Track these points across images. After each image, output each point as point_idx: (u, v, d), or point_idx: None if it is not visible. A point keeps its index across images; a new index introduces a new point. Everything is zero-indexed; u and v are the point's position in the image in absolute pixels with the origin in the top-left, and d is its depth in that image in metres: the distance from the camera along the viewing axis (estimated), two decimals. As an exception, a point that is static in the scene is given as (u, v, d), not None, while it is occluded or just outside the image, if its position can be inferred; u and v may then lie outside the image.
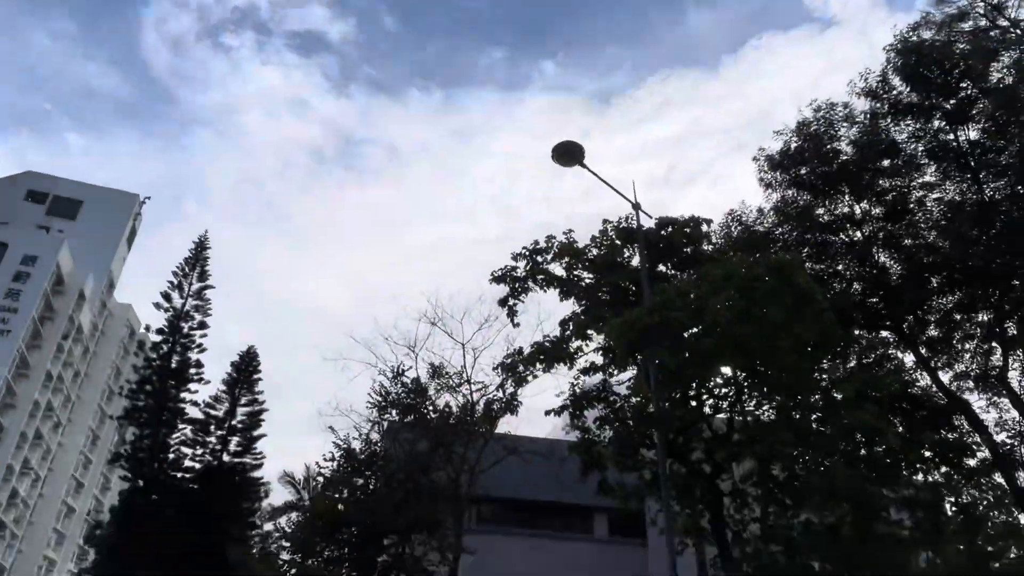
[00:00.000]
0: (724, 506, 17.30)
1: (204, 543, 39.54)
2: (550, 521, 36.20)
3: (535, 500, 34.31)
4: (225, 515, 42.17)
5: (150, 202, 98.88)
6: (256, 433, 47.20)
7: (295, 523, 25.49)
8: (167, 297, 45.44)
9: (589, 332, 17.73)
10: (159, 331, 44.75)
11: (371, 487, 25.43)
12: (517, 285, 19.47)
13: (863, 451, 14.93)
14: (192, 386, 44.50)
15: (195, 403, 45.06)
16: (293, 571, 24.68)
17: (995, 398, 19.00)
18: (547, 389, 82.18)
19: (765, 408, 16.71)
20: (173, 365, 44.16)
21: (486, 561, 29.07)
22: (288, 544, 26.12)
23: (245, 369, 48.31)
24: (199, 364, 44.98)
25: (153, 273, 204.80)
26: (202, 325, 45.49)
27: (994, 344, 18.59)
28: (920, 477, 16.72)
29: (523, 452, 26.94)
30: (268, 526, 50.76)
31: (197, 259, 47.50)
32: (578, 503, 34.43)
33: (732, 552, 16.72)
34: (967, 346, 19.39)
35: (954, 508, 18.17)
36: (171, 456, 43.27)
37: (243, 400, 47.38)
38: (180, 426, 44.07)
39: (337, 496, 25.00)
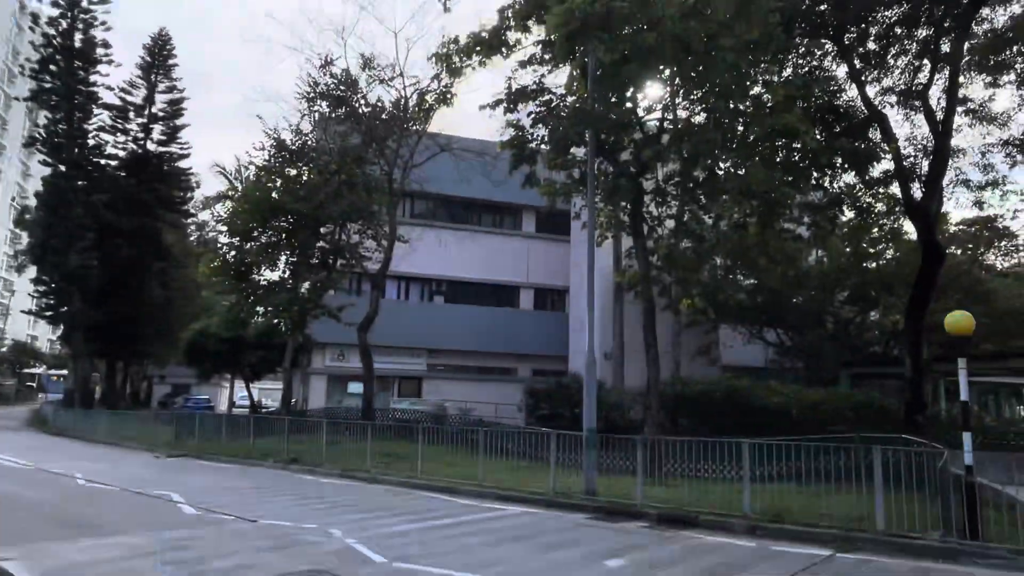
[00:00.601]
0: (644, 204, 18.42)
1: (138, 227, 40.17)
2: (481, 217, 37.97)
3: (467, 197, 35.48)
4: (157, 202, 42.33)
5: None
6: (179, 122, 45.65)
7: (231, 211, 25.79)
8: (58, -38, 40.05)
9: (529, 23, 16.90)
10: (54, 3, 40.10)
11: (304, 178, 25.56)
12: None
13: (781, 154, 15.72)
14: (101, 68, 41.50)
15: (109, 87, 42.45)
16: (232, 254, 25.56)
17: (912, 114, 19.79)
18: (482, 88, 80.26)
19: (697, 111, 17.01)
20: (77, 44, 40.48)
21: (419, 250, 30.86)
22: (225, 229, 26.69)
23: (159, 53, 44.97)
24: (106, 44, 41.42)
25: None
26: (103, -1, 40.95)
27: (925, 61, 18.82)
28: (828, 183, 17.96)
29: (456, 149, 27.12)
30: (204, 215, 51.55)
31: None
32: (508, 201, 35.93)
33: (646, 243, 18.21)
34: (899, 62, 19.58)
35: (851, 212, 19.92)
36: (91, 142, 41.81)
37: (161, 87, 44.86)
38: (96, 111, 41.98)
39: (271, 185, 25.11)
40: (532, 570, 7.60)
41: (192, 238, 53.84)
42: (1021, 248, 30.82)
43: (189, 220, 52.05)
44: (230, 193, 27.15)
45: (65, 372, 51.53)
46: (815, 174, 16.57)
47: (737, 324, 32.23)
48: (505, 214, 38.11)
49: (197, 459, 20.19)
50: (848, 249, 27.50)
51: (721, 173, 16.48)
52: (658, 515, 11.04)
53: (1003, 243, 29.63)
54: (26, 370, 74.18)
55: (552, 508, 12.24)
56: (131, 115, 43.49)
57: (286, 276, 26.44)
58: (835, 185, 18.36)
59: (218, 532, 9.42)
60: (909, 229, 20.88)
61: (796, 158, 16.41)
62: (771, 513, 10.42)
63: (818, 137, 15.32)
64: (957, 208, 66.05)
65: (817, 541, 9.39)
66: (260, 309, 26.82)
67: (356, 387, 32.92)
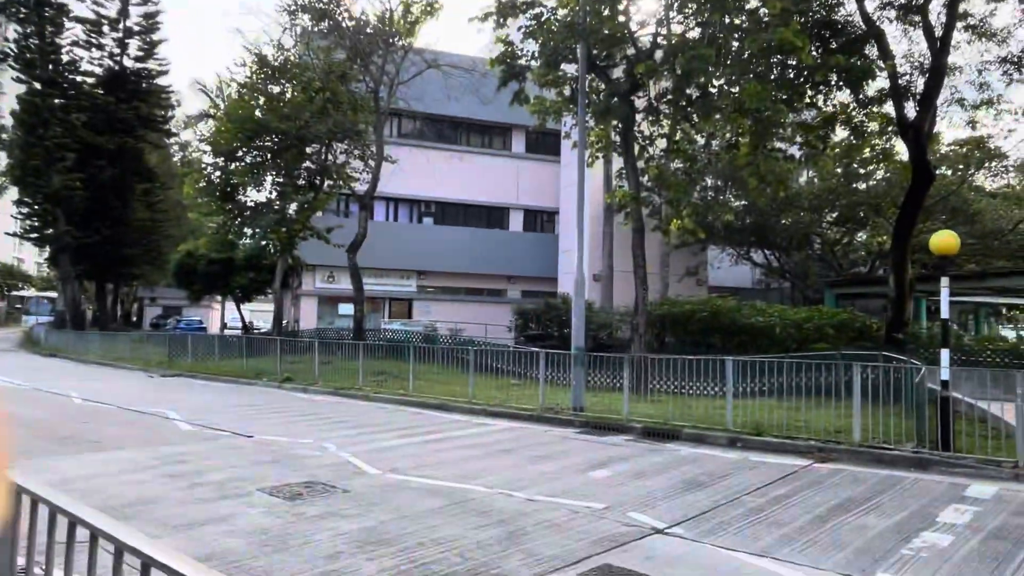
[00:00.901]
0: (636, 123, 18.15)
1: (120, 147, 39.29)
2: (470, 137, 37.36)
3: (455, 116, 34.82)
4: (137, 121, 41.27)
5: None
6: (156, 37, 44.06)
7: (214, 130, 25.21)
8: None
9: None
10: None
11: (288, 96, 24.91)
12: None
13: (776, 71, 15.41)
14: (71, -24, 39.52)
15: (80, -1, 40.61)
16: (217, 174, 25.17)
17: (911, 30, 19.33)
18: (470, 1, 77.19)
19: (692, 26, 16.53)
20: (42, -50, 38.44)
21: (407, 171, 30.48)
22: (209, 149, 26.17)
23: (130, -39, 42.84)
24: (74, -50, 39.35)
25: None
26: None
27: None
28: (821, 101, 17.69)
29: (444, 66, 26.43)
30: (187, 134, 50.34)
31: None
32: (497, 121, 35.30)
33: (637, 164, 18.05)
34: (900, -28, 19.00)
35: (844, 131, 19.71)
36: (65, 58, 40.38)
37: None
38: (68, 25, 40.32)
39: (253, 104, 24.48)
40: (521, 479, 7.89)
41: (175, 158, 52.81)
42: (1011, 169, 30.77)
43: (171, 140, 50.95)
44: (212, 112, 26.50)
45: (54, 295, 51.29)
46: (809, 92, 16.30)
47: (725, 245, 32.40)
48: (494, 134, 37.51)
49: (191, 378, 20.49)
50: (839, 170, 27.40)
51: (714, 91, 16.17)
52: (643, 429, 11.39)
53: (993, 163, 29.55)
54: (14, 292, 73.95)
55: (541, 423, 12.60)
56: (105, 29, 41.83)
57: (273, 197, 26.16)
58: (829, 103, 18.10)
59: (215, 447, 9.67)
60: (901, 149, 20.71)
61: (791, 75, 16.09)
62: (752, 426, 10.78)
63: (814, 53, 14.97)
64: (950, 128, 65.42)
65: (795, 452, 9.75)
66: (248, 231, 26.67)
67: (346, 308, 33.13)
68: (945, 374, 9.58)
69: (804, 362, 11.69)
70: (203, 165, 28.05)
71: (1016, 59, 18.73)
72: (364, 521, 6.11)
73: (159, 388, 18.00)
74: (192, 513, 6.22)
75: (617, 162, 23.43)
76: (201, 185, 25.26)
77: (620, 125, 17.65)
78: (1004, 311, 37.62)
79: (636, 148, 18.20)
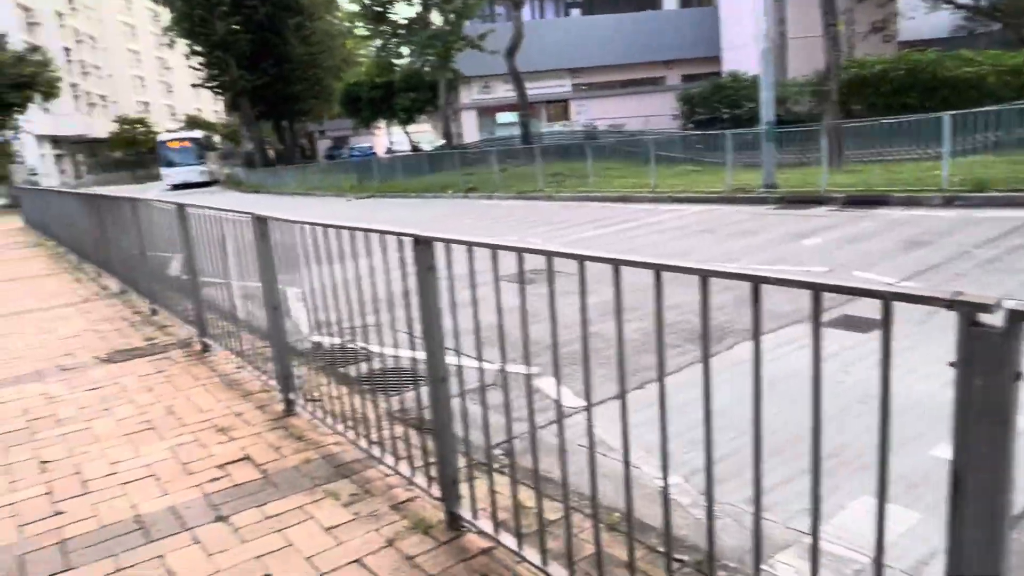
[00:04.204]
0: None
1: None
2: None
3: None
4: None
5: None
6: None
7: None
8: None
9: None
10: None
11: None
12: None
13: None
14: None
15: None
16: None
17: None
18: None
19: None
20: None
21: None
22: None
23: None
24: None
25: None
26: None
27: None
28: None
29: None
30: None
31: None
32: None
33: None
34: None
35: None
36: None
37: None
38: None
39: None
40: (730, 253, 8.14)
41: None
42: None
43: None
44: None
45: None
46: None
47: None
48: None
49: (382, 198, 22.16)
50: None
51: None
52: (845, 198, 11.06)
53: None
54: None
55: (731, 204, 12.58)
56: None
57: (422, 11, 25.93)
58: None
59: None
60: None
61: None
62: (972, 184, 10.13)
63: None
64: None
65: (1022, 205, 9.16)
66: (405, 50, 26.94)
67: (504, 118, 33.36)
68: None
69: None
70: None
71: None
72: (594, 298, 6.76)
73: (359, 208, 19.73)
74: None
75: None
76: (354, 10, 25.48)
77: None
78: None
79: None
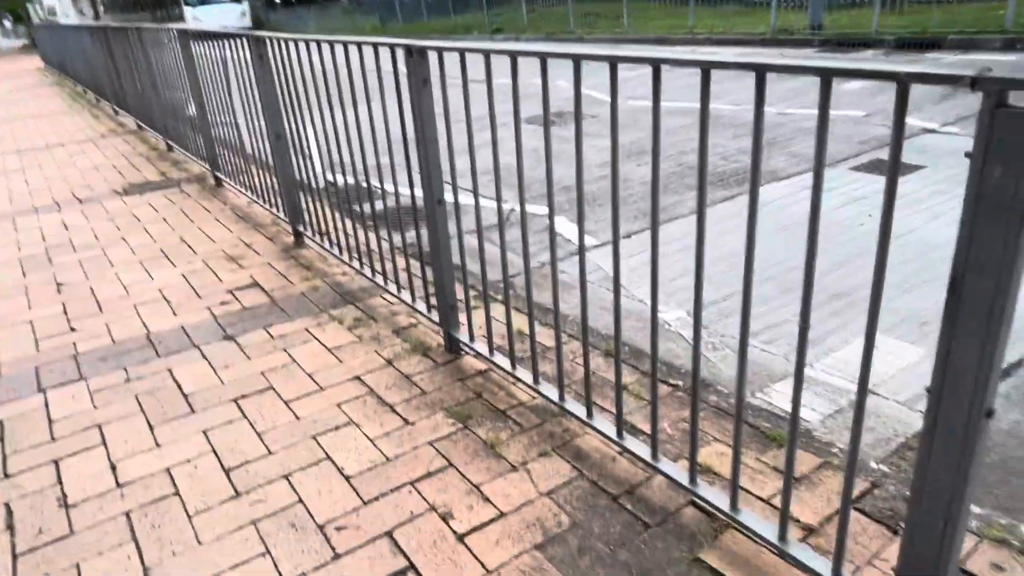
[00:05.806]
0: None
1: None
2: None
3: None
4: None
5: None
6: None
7: None
8: None
9: None
10: None
11: None
12: None
13: None
14: None
15: None
16: None
17: None
18: None
19: None
20: None
21: None
22: None
23: None
24: None
25: None
26: None
27: None
28: None
29: None
30: None
31: None
32: None
33: None
34: None
35: None
36: None
37: None
38: None
39: None
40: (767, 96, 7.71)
41: None
42: None
43: None
44: None
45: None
46: None
47: None
48: None
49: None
50: None
51: None
52: (896, 40, 10.27)
53: None
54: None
55: (774, 47, 11.79)
56: None
57: None
58: None
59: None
60: None
61: None
62: (1038, 25, 9.30)
63: None
64: None
65: (1093, 50, 8.43)
66: None
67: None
68: None
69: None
70: None
71: None
72: (624, 137, 6.51)
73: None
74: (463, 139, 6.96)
75: None
76: None
77: None
78: None
79: None
